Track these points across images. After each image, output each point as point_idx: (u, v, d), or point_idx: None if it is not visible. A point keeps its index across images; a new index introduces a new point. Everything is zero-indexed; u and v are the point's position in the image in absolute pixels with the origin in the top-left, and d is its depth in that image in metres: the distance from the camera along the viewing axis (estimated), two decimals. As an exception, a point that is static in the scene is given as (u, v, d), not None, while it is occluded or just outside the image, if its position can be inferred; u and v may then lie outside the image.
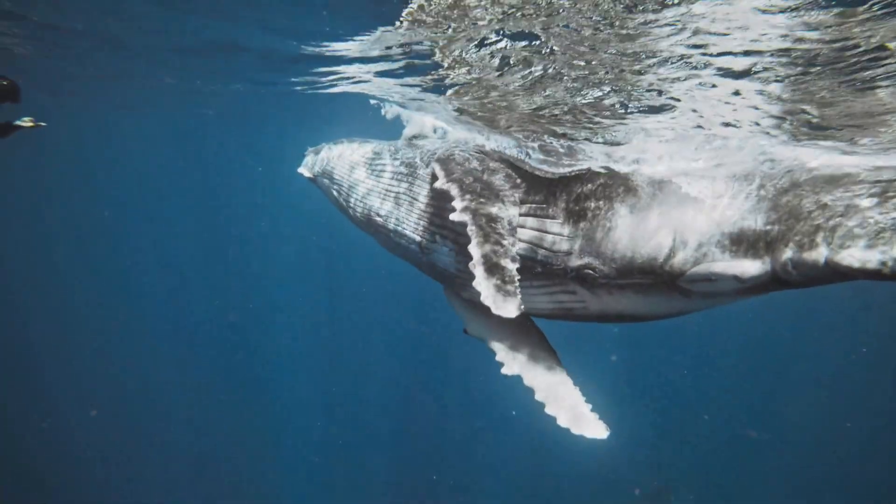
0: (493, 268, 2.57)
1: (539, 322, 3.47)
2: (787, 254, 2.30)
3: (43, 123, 6.56)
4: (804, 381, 26.61)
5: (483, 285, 2.49)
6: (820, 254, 2.20)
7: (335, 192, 4.48)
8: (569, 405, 2.91)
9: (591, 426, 2.82)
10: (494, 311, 2.41)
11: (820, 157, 2.85)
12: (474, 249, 2.64)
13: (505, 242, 2.74)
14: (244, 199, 34.14)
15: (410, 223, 3.58)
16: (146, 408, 22.29)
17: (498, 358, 3.14)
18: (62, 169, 30.06)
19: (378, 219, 3.87)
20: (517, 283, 2.58)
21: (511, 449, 22.22)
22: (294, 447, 23.03)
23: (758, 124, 4.18)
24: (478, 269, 2.56)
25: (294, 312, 30.05)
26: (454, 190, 2.98)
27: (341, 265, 31.45)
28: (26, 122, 6.45)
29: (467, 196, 2.93)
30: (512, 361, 3.10)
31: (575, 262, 2.88)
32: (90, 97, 15.60)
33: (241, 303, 30.16)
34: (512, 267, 2.64)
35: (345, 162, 4.37)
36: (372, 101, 7.70)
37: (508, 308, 2.42)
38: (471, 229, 2.73)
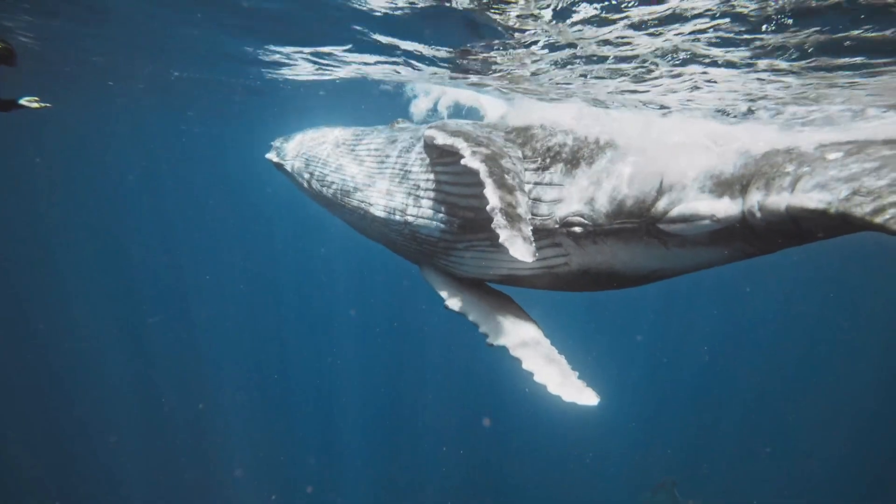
0: (511, 210, 2.61)
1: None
2: (756, 196, 2.42)
3: (48, 104, 6.42)
4: (812, 385, 26.57)
5: (503, 228, 2.49)
6: (783, 198, 2.32)
7: (307, 175, 4.42)
8: (558, 373, 2.94)
9: (582, 393, 2.85)
10: (513, 253, 2.41)
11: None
12: (490, 193, 2.62)
13: (518, 187, 2.79)
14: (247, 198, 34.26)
15: (393, 192, 3.60)
16: (144, 408, 22.35)
17: (481, 330, 3.16)
18: (62, 176, 30.17)
19: (357, 193, 3.86)
20: (531, 227, 2.65)
21: (514, 446, 22.15)
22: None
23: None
24: (497, 214, 2.55)
25: (316, 312, 30.31)
26: (460, 142, 2.96)
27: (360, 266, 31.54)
28: (32, 101, 6.31)
29: (474, 144, 2.94)
30: (496, 332, 3.14)
31: (565, 210, 2.95)
32: (87, 106, 15.63)
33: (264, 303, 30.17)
34: (527, 211, 2.71)
35: (320, 144, 4.37)
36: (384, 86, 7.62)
37: (527, 251, 2.43)
38: (484, 176, 2.72)
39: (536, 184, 3.06)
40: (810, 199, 2.21)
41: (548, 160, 3.09)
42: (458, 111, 5.75)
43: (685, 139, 2.79)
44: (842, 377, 26.53)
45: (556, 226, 2.99)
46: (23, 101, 6.25)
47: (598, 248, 2.92)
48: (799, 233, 2.38)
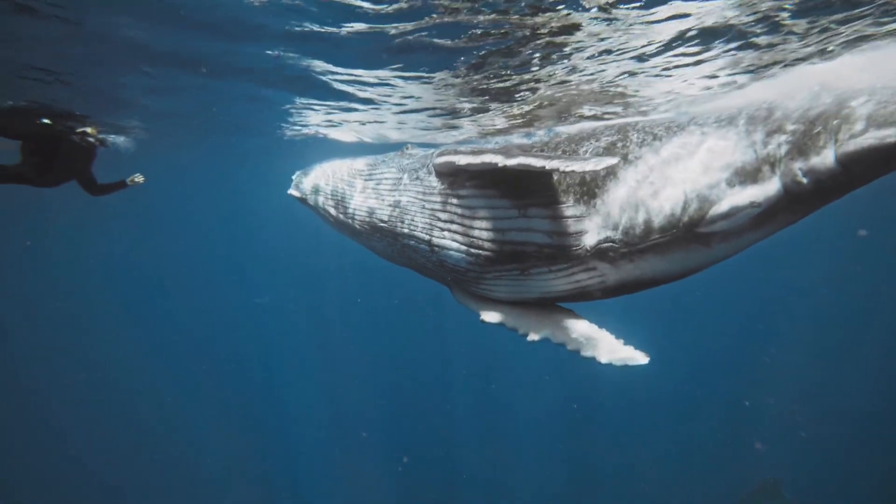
0: (561, 156, 2.76)
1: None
2: (796, 164, 2.45)
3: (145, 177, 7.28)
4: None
5: (569, 163, 2.56)
6: (828, 155, 2.37)
7: (331, 208, 4.38)
8: (603, 343, 3.02)
9: (631, 354, 2.93)
10: (591, 167, 2.48)
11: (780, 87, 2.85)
12: (538, 162, 2.65)
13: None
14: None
15: (417, 223, 3.55)
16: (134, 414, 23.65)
17: (520, 332, 3.20)
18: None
19: (382, 224, 3.81)
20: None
21: (599, 445, 21.87)
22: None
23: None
24: (556, 162, 2.62)
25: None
26: (488, 157, 2.91)
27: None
28: (137, 178, 7.11)
29: (500, 153, 2.90)
30: (536, 329, 3.18)
31: (593, 239, 2.93)
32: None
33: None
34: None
35: (340, 176, 4.35)
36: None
37: (599, 160, 2.51)
38: (526, 160, 2.72)
39: (558, 217, 3.01)
40: (868, 138, 2.26)
41: (564, 192, 3.05)
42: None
43: (694, 143, 2.78)
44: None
45: (588, 254, 2.97)
46: (129, 181, 7.12)
47: (636, 264, 2.90)
48: (848, 181, 2.43)
